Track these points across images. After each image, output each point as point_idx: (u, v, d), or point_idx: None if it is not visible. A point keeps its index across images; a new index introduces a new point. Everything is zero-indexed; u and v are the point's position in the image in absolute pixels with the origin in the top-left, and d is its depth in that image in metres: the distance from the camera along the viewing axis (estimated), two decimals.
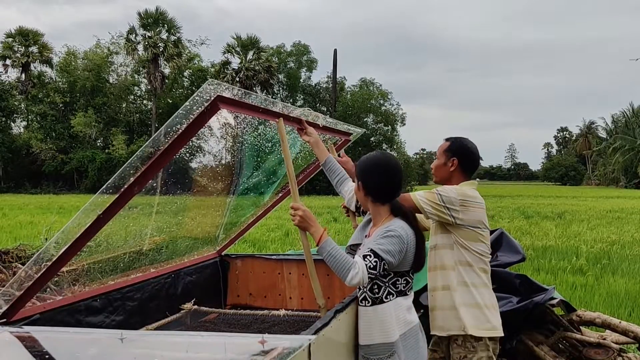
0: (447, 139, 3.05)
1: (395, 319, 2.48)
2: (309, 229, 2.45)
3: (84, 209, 2.24)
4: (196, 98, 2.13)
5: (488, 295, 2.89)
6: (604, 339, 4.02)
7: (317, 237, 2.41)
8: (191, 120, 2.14)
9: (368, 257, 2.36)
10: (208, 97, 2.12)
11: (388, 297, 2.48)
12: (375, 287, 2.48)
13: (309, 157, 3.53)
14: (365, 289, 2.50)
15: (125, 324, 3.02)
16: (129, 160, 2.20)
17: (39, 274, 2.29)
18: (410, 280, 2.58)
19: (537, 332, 4.11)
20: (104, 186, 2.20)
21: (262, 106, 2.47)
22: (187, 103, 2.13)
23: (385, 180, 2.55)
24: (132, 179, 2.21)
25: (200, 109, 2.13)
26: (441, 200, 2.79)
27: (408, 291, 2.58)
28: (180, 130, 2.16)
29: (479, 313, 2.83)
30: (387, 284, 2.48)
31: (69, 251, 2.29)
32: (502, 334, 2.90)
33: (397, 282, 2.51)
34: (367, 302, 2.50)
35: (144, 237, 3.42)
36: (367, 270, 2.33)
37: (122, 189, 2.22)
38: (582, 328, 4.26)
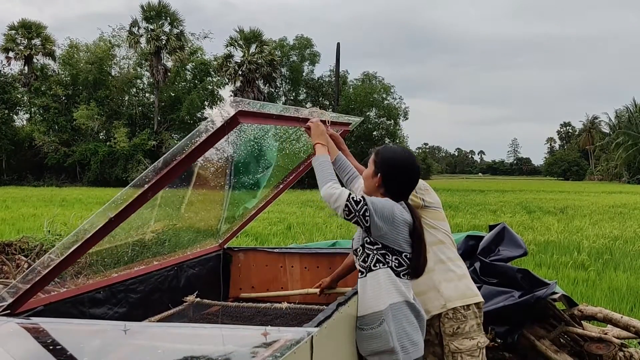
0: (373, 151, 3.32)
1: (385, 288, 2.50)
2: (316, 140, 2.69)
3: (97, 213, 2.35)
4: (216, 114, 2.30)
5: (462, 266, 3.06)
6: (606, 334, 4.02)
7: (319, 149, 2.65)
8: (211, 132, 2.26)
9: (356, 195, 2.46)
10: (228, 114, 2.25)
11: (377, 265, 2.52)
12: (365, 256, 2.54)
13: (309, 150, 3.56)
14: (358, 260, 2.57)
15: (128, 316, 3.04)
16: (146, 170, 2.33)
17: (47, 270, 2.33)
18: (403, 263, 2.54)
19: (538, 326, 4.11)
20: (119, 193, 2.33)
21: (276, 113, 2.61)
22: (208, 119, 2.33)
23: (408, 181, 2.65)
24: (146, 186, 2.30)
25: (220, 122, 2.25)
26: None
27: (402, 274, 2.55)
28: (199, 142, 2.27)
29: (460, 284, 2.98)
30: (374, 252, 2.52)
31: (77, 251, 2.35)
32: (483, 300, 3.07)
33: (387, 257, 2.52)
34: (361, 273, 2.57)
35: (147, 229, 3.44)
36: (348, 198, 2.40)
37: (136, 195, 2.31)
38: (584, 323, 4.26)
